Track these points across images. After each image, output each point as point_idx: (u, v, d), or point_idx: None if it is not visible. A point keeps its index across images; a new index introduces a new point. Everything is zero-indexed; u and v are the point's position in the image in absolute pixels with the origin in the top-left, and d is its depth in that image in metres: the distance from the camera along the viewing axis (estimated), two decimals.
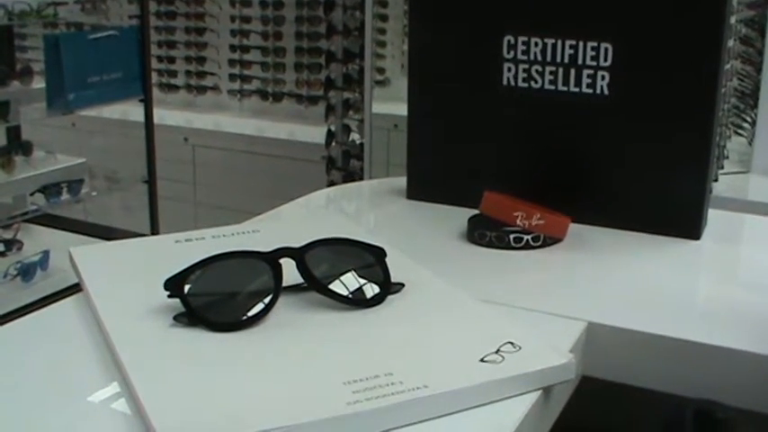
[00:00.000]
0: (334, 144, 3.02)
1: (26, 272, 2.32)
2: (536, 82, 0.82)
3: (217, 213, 3.43)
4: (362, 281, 0.62)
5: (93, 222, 3.04)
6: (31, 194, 2.38)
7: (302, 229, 0.78)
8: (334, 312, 0.60)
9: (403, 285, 0.64)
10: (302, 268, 0.61)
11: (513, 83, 0.83)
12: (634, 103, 0.79)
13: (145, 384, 0.50)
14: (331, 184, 3.03)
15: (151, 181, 2.65)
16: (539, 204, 0.80)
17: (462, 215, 0.82)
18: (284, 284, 0.60)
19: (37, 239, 2.70)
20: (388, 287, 0.63)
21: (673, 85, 0.77)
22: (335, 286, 0.61)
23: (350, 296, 0.61)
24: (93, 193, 2.57)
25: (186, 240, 0.75)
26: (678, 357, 0.60)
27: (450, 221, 0.84)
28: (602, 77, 0.79)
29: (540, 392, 0.52)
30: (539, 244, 0.77)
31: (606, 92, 0.79)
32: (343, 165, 3.02)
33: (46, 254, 2.42)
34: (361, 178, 2.83)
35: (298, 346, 0.55)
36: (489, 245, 0.77)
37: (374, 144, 2.76)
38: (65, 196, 2.40)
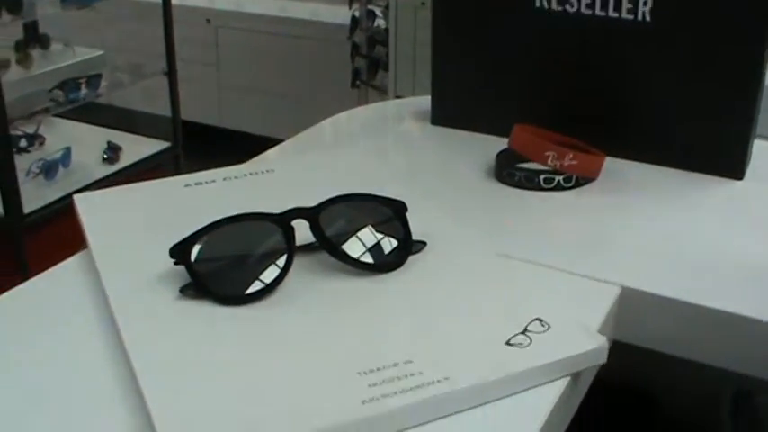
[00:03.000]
0: (358, 30, 2.93)
1: (49, 170, 2.30)
2: (571, 5, 0.75)
3: (240, 96, 3.38)
4: (381, 243, 0.58)
5: (118, 108, 3.00)
6: (50, 91, 2.33)
7: (318, 167, 0.74)
8: (350, 278, 0.56)
9: (425, 244, 0.60)
10: (316, 231, 0.57)
11: (546, 5, 0.77)
12: (677, 31, 0.72)
13: (149, 378, 0.46)
14: (355, 71, 2.96)
15: (171, 72, 2.59)
16: (571, 138, 0.74)
17: (489, 146, 0.77)
18: (297, 244, 0.56)
19: (60, 133, 2.67)
20: (409, 249, 0.59)
21: (720, 14, 0.70)
22: (352, 251, 0.57)
23: (368, 261, 0.57)
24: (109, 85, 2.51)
25: (196, 184, 0.71)
26: (718, 329, 0.56)
27: (476, 154, 0.79)
28: (645, 3, 0.72)
29: (569, 378, 0.49)
30: (570, 185, 0.72)
31: (648, 18, 0.72)
32: (368, 51, 2.94)
33: (68, 150, 2.40)
34: (386, 65, 2.76)
35: (309, 327, 0.51)
36: (518, 185, 0.73)
37: (400, 27, 2.66)
38: (84, 92, 2.35)
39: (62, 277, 0.60)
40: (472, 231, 0.63)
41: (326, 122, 0.91)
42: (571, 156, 0.70)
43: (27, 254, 2.13)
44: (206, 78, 3.43)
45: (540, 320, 0.51)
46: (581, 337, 0.50)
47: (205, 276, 0.54)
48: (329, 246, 0.57)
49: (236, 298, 0.54)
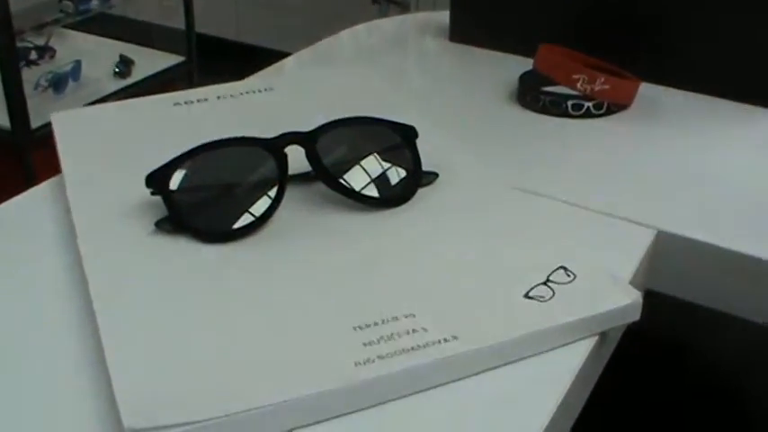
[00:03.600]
0: None
1: (57, 83, 2.23)
2: None
3: (257, 9, 3.27)
4: (386, 173, 0.51)
5: (132, 20, 2.91)
6: (59, 1, 2.25)
7: (323, 86, 0.66)
8: (350, 213, 0.49)
9: (436, 176, 0.53)
10: (313, 159, 0.50)
11: None
12: None
13: (112, 337, 0.40)
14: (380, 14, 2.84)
15: None
16: (603, 60, 0.67)
17: (512, 67, 0.70)
18: (291, 173, 0.50)
19: (71, 45, 2.60)
20: (418, 180, 0.52)
21: None
22: (353, 182, 0.50)
23: (371, 194, 0.50)
24: None
25: (186, 102, 0.64)
26: (760, 280, 0.49)
27: (498, 75, 0.71)
28: None
29: (596, 338, 0.42)
30: (601, 112, 0.64)
31: None
32: None
33: (78, 63, 2.32)
34: (408, 6, 2.65)
35: (300, 271, 0.45)
36: (543, 110, 0.65)
37: None
38: (94, 2, 2.27)
39: (29, 206, 0.54)
40: (490, 162, 0.56)
41: (339, 36, 0.84)
42: (603, 79, 0.63)
43: (35, 169, 2.07)
44: None
45: (565, 269, 0.44)
46: (611, 289, 0.43)
47: (184, 208, 0.48)
48: (327, 176, 0.50)
49: (218, 234, 0.47)
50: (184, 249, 0.46)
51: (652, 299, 0.51)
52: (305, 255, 0.46)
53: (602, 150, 0.60)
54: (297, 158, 0.50)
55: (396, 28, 0.86)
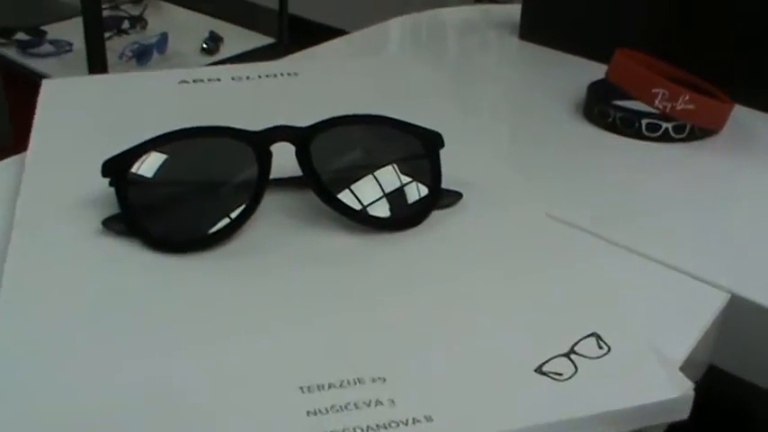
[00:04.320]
0: None
1: (142, 54, 2.19)
2: None
3: None
4: (395, 190, 0.41)
5: None
6: None
7: (355, 76, 0.57)
8: (341, 233, 0.40)
9: (460, 196, 0.43)
10: (304, 163, 0.40)
11: None
12: None
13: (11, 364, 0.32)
14: None
15: None
16: (690, 74, 0.55)
17: (585, 73, 0.59)
18: (279, 176, 0.41)
19: (164, 18, 2.57)
20: (433, 201, 0.42)
21: None
22: (349, 196, 0.40)
23: (370, 214, 0.40)
24: None
25: (195, 81, 0.55)
26: None
27: (566, 82, 0.61)
28: None
29: None
30: (682, 136, 0.53)
31: None
32: None
33: (164, 36, 2.28)
34: None
35: (257, 303, 0.35)
36: (612, 128, 0.54)
37: None
38: None
39: None
40: (533, 185, 0.45)
41: (395, 21, 0.74)
42: (687, 97, 0.52)
43: None
44: None
45: (598, 338, 0.34)
46: (655, 375, 0.32)
47: (138, 206, 0.39)
48: (317, 184, 0.40)
49: (171, 243, 0.38)
50: (129, 257, 0.38)
51: (713, 375, 0.40)
52: (272, 280, 0.37)
53: (676, 184, 0.49)
54: (290, 159, 0.40)
55: (462, 19, 0.76)
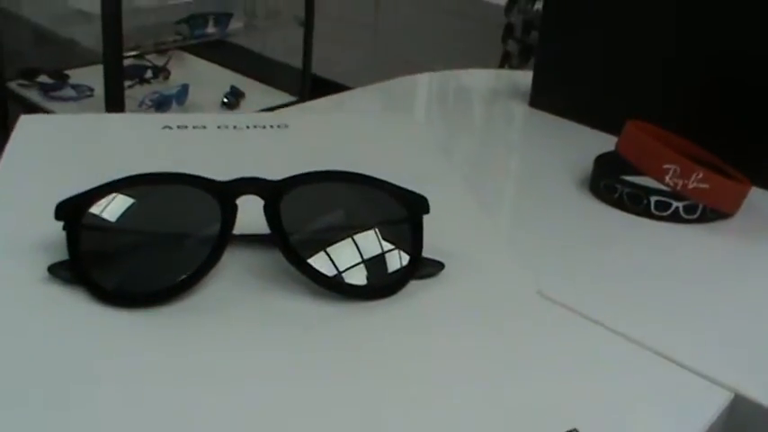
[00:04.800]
0: (515, 10, 2.70)
1: (161, 103, 2.19)
2: None
3: (385, 62, 3.19)
4: (371, 256, 0.38)
5: (251, 51, 2.88)
6: (177, 23, 2.22)
7: (350, 132, 0.54)
8: (307, 298, 0.36)
9: (441, 267, 0.39)
10: (273, 220, 0.37)
11: None
12: None
13: None
14: (505, 54, 2.73)
15: (308, 23, 2.43)
16: (706, 152, 0.52)
17: (593, 145, 0.56)
18: (243, 232, 0.37)
19: (187, 69, 2.57)
20: (411, 271, 0.38)
21: None
22: (319, 259, 0.37)
23: (340, 280, 0.37)
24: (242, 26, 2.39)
25: (179, 127, 0.52)
26: None
27: (573, 153, 0.57)
28: None
29: None
30: (693, 217, 0.49)
31: None
32: (522, 35, 2.70)
33: (185, 87, 2.28)
34: None
35: (203, 370, 0.32)
36: (618, 204, 0.51)
37: None
38: (210, 29, 2.23)
39: None
40: (526, 260, 0.42)
41: (405, 79, 0.71)
42: (701, 175, 0.48)
43: None
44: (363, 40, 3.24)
45: None
46: None
47: (87, 254, 0.36)
48: (286, 246, 0.37)
49: (118, 296, 0.35)
50: (73, 308, 0.34)
51: None
52: (224, 342, 0.33)
53: (683, 268, 0.45)
54: (260, 214, 0.37)
55: (474, 82, 0.73)
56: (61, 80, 2.29)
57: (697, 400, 0.35)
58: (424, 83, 0.71)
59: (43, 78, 2.29)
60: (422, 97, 0.69)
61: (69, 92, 2.23)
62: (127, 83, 2.03)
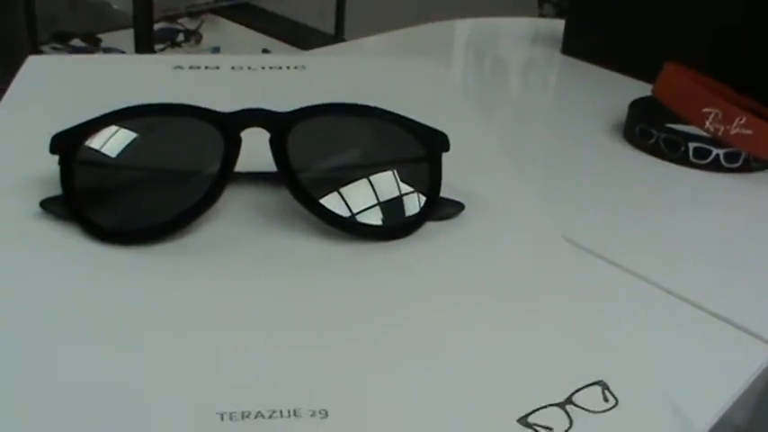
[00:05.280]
0: None
1: None
2: None
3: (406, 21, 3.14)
4: (384, 195, 0.35)
5: (282, 17, 2.85)
6: None
7: (368, 76, 0.51)
8: (312, 238, 0.34)
9: (461, 207, 0.36)
10: (279, 155, 0.34)
11: None
12: None
13: None
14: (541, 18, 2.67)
15: None
16: (749, 99, 0.49)
17: (628, 91, 0.53)
18: (248, 170, 0.35)
19: (218, 33, 2.56)
20: (428, 211, 0.35)
21: None
22: (329, 197, 0.34)
23: (350, 219, 0.34)
24: None
25: (191, 67, 0.50)
26: None
27: (606, 98, 0.54)
28: None
29: None
30: (735, 166, 0.46)
31: None
32: None
33: (216, 51, 2.26)
34: None
35: (201, 314, 0.29)
36: (654, 151, 0.48)
37: None
38: None
39: None
40: (554, 205, 0.39)
41: (435, 25, 0.68)
42: (744, 120, 0.45)
43: None
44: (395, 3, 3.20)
45: (605, 388, 0.27)
46: None
47: (81, 189, 0.33)
48: (293, 183, 0.34)
49: (111, 232, 0.33)
50: (65, 245, 0.32)
51: None
52: (223, 285, 0.31)
53: (723, 220, 0.42)
54: (258, 147, 0.34)
55: (507, 29, 0.70)
56: (93, 44, 2.28)
57: (737, 356, 0.32)
58: (453, 28, 0.68)
59: (76, 42, 2.28)
60: (451, 43, 0.66)
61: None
62: (158, 46, 2.01)
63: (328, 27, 2.52)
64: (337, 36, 2.48)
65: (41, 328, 0.27)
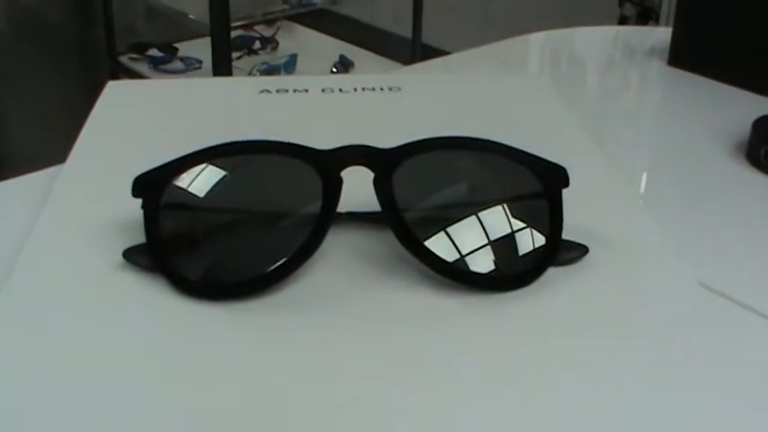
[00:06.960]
0: None
1: (269, 74, 2.16)
2: None
3: (490, 29, 3.10)
4: (501, 239, 0.31)
5: (359, 22, 2.83)
6: None
7: (473, 97, 0.48)
8: (422, 289, 0.30)
9: (585, 251, 0.33)
10: (384, 194, 0.31)
11: None
12: None
13: None
14: (622, 19, 2.60)
15: None
16: None
17: (749, 106, 0.48)
18: (348, 210, 0.32)
19: (295, 39, 2.55)
20: (550, 255, 0.32)
21: None
22: (440, 244, 0.31)
23: (465, 269, 0.31)
24: None
25: (278, 91, 0.47)
26: None
27: (724, 116, 0.50)
28: None
29: None
30: None
31: None
32: None
33: (293, 57, 2.25)
34: (658, 17, 2.39)
35: (301, 376, 0.26)
36: None
37: None
38: None
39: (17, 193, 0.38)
40: (682, 243, 0.35)
41: (526, 38, 0.64)
42: None
43: None
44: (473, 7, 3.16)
45: None
46: None
47: (165, 238, 0.31)
48: (399, 226, 0.31)
49: (201, 286, 0.30)
50: (150, 300, 0.29)
51: None
52: (326, 343, 0.28)
53: None
54: (368, 188, 0.31)
55: (604, 39, 0.65)
56: (170, 53, 2.29)
57: None
58: (549, 42, 0.64)
59: (153, 52, 2.29)
60: (548, 57, 0.62)
61: (178, 65, 2.23)
62: (235, 54, 2.01)
63: (404, 31, 2.49)
64: (415, 40, 2.45)
65: (125, 393, 0.25)
